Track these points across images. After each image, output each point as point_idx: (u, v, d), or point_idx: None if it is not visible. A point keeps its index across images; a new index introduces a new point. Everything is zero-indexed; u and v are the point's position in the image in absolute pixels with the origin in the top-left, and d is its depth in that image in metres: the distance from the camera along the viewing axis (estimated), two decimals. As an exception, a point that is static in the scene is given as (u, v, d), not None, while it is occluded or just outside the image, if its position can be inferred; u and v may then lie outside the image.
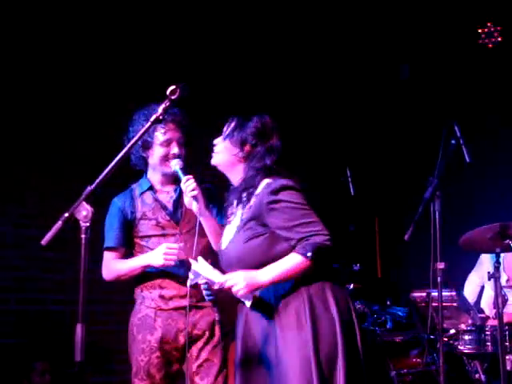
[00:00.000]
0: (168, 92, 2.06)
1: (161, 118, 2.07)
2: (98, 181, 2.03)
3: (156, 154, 2.83)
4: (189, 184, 2.64)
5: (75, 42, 4.83)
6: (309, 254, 2.22)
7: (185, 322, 2.72)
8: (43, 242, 2.02)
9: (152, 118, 2.08)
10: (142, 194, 2.88)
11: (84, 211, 2.01)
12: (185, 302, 2.71)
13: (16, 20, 4.64)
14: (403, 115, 5.79)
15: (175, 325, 2.76)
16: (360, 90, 5.99)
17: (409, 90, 5.95)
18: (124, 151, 2.06)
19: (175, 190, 2.87)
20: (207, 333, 2.78)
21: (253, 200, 2.35)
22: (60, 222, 2.01)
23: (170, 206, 2.86)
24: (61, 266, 4.67)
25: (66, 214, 2.01)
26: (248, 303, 2.30)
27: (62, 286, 4.69)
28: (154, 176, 2.90)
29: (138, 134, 2.12)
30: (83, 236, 2.00)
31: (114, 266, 2.86)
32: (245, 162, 2.44)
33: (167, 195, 2.88)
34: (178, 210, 2.85)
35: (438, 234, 3.19)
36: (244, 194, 2.38)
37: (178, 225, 2.83)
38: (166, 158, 2.82)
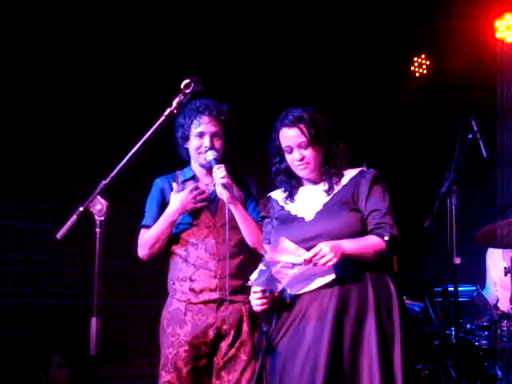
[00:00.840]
0: (182, 86, 2.06)
1: (175, 111, 2.07)
2: (112, 175, 2.04)
3: (191, 145, 2.87)
4: (219, 172, 2.70)
5: (81, 37, 4.82)
6: (386, 238, 2.35)
7: (215, 317, 2.74)
8: (58, 235, 2.04)
9: (166, 112, 2.09)
10: (184, 181, 2.91)
11: (99, 205, 2.02)
12: (215, 296, 2.74)
13: (18, 15, 4.64)
14: (420, 109, 5.75)
15: (205, 319, 2.75)
16: (376, 84, 5.96)
17: (426, 83, 5.91)
18: (137, 146, 2.07)
19: (214, 184, 2.87)
20: (236, 328, 2.77)
21: (346, 182, 2.48)
22: (75, 216, 2.04)
23: (209, 196, 2.87)
24: (78, 260, 4.71)
25: (81, 208, 2.03)
26: (330, 277, 2.28)
27: (79, 279, 4.72)
28: (195, 167, 2.94)
29: (152, 129, 2.12)
30: (98, 230, 2.01)
31: (144, 237, 2.85)
32: (329, 153, 2.50)
33: (206, 187, 2.89)
34: (215, 203, 2.85)
35: (454, 229, 3.17)
36: (334, 176, 2.48)
37: (213, 217, 2.83)
38: (198, 150, 2.85)
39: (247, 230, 2.77)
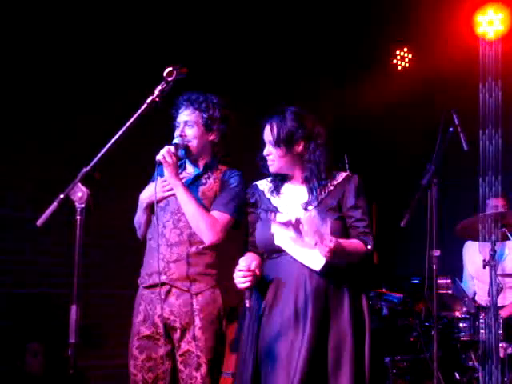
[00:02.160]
0: (164, 74, 2.04)
1: (157, 99, 2.05)
2: (93, 163, 2.02)
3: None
4: (162, 151, 2.71)
5: (63, 25, 4.77)
6: (369, 247, 2.52)
7: (161, 307, 2.70)
8: (38, 223, 2.02)
9: (148, 100, 2.07)
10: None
11: (79, 192, 2.01)
12: (161, 279, 2.70)
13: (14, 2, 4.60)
14: (401, 102, 5.77)
15: (154, 309, 2.74)
16: (358, 76, 5.98)
17: (408, 76, 5.94)
18: (119, 134, 2.05)
19: (194, 172, 2.87)
20: (184, 321, 2.71)
21: (332, 188, 2.60)
22: (55, 204, 2.02)
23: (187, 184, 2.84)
24: (56, 249, 4.67)
25: (62, 196, 2.01)
26: (321, 263, 2.40)
27: (56, 268, 4.69)
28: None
29: (134, 116, 2.10)
30: (78, 217, 1.99)
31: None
32: (302, 156, 2.60)
33: (189, 175, 2.88)
34: (195, 190, 2.81)
35: (434, 221, 3.19)
36: (321, 182, 2.59)
37: (177, 203, 2.80)
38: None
39: (188, 215, 2.73)
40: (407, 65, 6.07)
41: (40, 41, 4.72)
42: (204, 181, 2.84)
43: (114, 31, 4.95)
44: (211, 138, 2.84)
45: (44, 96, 4.76)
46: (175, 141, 2.78)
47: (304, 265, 2.48)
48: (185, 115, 2.82)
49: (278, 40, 5.74)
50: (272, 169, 2.63)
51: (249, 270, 2.44)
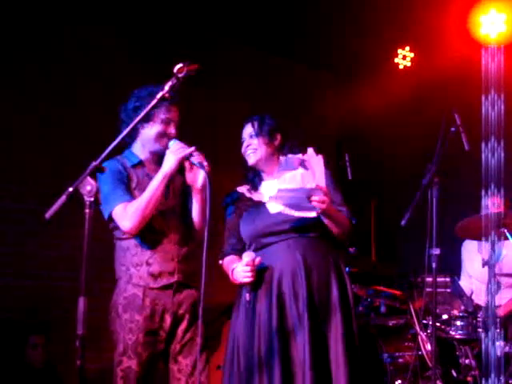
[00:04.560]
0: (175, 70, 2.06)
1: (167, 95, 2.07)
2: (102, 156, 2.04)
3: (154, 129, 2.78)
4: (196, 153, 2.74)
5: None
6: (353, 221, 2.76)
7: (171, 302, 2.73)
8: (47, 215, 2.02)
9: (159, 95, 2.09)
10: (133, 166, 2.81)
11: (88, 186, 2.02)
12: (173, 279, 2.73)
13: None
14: (403, 101, 5.79)
15: (163, 304, 2.74)
16: (360, 75, 6.00)
17: (410, 75, 5.96)
18: (129, 128, 2.07)
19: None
20: (191, 313, 2.77)
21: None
22: (64, 197, 2.02)
23: None
24: (56, 242, 4.70)
25: (71, 189, 2.02)
26: (314, 213, 2.57)
27: (58, 261, 4.71)
28: (142, 152, 2.83)
29: (144, 111, 2.12)
30: (87, 211, 2.01)
31: (132, 206, 2.68)
32: (278, 150, 2.83)
33: (153, 171, 2.79)
34: (168, 185, 2.77)
35: (434, 220, 3.23)
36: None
37: (166, 200, 2.78)
38: (162, 136, 2.78)
39: (202, 211, 2.77)
40: (409, 64, 6.08)
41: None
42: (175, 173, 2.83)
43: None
44: None
45: (48, 90, 4.79)
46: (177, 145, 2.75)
47: (295, 250, 2.66)
48: (178, 116, 2.82)
49: (279, 39, 5.76)
50: (252, 159, 2.81)
51: (253, 265, 2.59)
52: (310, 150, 2.63)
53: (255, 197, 2.81)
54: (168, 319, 2.74)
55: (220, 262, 2.86)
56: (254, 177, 2.87)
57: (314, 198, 2.52)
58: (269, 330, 2.57)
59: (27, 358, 4.39)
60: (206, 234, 2.46)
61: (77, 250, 2.05)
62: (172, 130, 2.79)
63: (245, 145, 2.84)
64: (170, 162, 2.70)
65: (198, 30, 5.61)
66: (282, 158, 2.80)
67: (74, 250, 2.04)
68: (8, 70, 4.68)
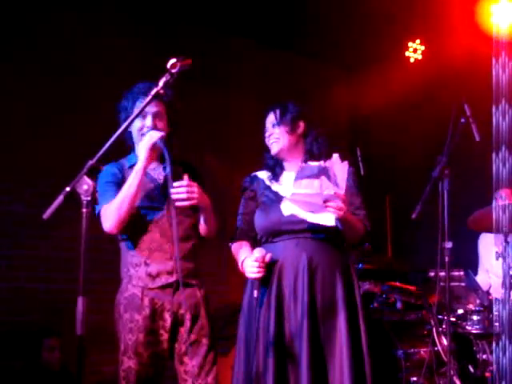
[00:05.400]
0: (168, 65, 2.04)
1: (161, 91, 2.05)
2: (98, 155, 2.03)
3: (134, 127, 2.74)
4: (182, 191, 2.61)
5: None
6: (368, 228, 2.70)
7: (170, 301, 2.69)
8: (45, 216, 2.02)
9: (153, 92, 2.07)
10: (131, 166, 2.77)
11: (85, 185, 2.00)
12: (172, 279, 2.68)
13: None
14: (414, 94, 5.74)
15: (161, 304, 2.71)
16: (372, 68, 5.95)
17: (421, 68, 5.90)
18: (124, 126, 2.06)
19: (164, 167, 2.76)
20: (193, 313, 2.72)
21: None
22: (61, 197, 2.01)
23: (160, 179, 2.78)
24: (69, 244, 4.70)
25: (68, 189, 2.01)
26: (333, 220, 2.51)
27: (72, 263, 4.72)
28: (140, 151, 2.76)
29: (139, 109, 2.10)
30: (84, 210, 2.00)
31: (109, 206, 2.65)
32: (302, 138, 2.76)
33: (154, 171, 2.79)
34: (168, 185, 2.70)
35: (445, 213, 3.17)
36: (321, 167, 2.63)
37: (165, 200, 2.73)
38: (141, 132, 2.73)
39: (207, 225, 2.74)
40: (420, 57, 6.02)
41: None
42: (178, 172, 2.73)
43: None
44: (171, 129, 2.79)
45: (54, 94, 4.82)
46: (155, 134, 2.66)
47: (302, 250, 2.61)
48: (154, 106, 2.70)
49: (290, 35, 5.73)
50: (276, 148, 2.74)
51: (263, 262, 2.55)
52: (335, 156, 2.54)
53: (274, 187, 2.76)
54: (168, 319, 2.70)
55: (230, 244, 2.83)
56: (275, 165, 2.79)
57: (330, 203, 2.45)
58: (265, 339, 2.53)
59: (43, 360, 4.41)
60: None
61: (91, 251, 2.05)
62: (148, 122, 2.71)
63: (267, 134, 2.78)
64: (141, 155, 2.64)
65: (211, 28, 5.63)
66: (301, 165, 2.67)
67: (88, 251, 2.03)
68: (22, 74, 4.71)
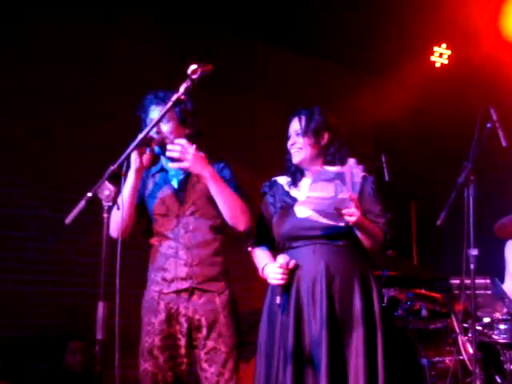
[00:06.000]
0: (189, 71, 2.05)
1: (182, 97, 2.06)
2: (119, 161, 2.04)
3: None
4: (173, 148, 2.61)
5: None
6: (388, 237, 2.64)
7: (185, 307, 2.70)
8: (67, 221, 2.06)
9: (173, 98, 2.08)
10: (154, 174, 2.84)
11: (107, 191, 2.03)
12: (185, 285, 2.70)
13: None
14: (440, 98, 5.69)
15: (177, 308, 2.72)
16: (397, 73, 5.91)
17: (447, 73, 5.85)
18: (144, 133, 2.07)
19: (183, 172, 2.79)
20: (210, 320, 2.71)
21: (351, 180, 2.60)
22: (83, 202, 2.04)
23: (175, 185, 2.80)
24: (94, 249, 4.73)
25: (89, 194, 2.03)
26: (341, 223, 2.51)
27: (96, 268, 4.75)
28: (162, 158, 2.85)
29: (160, 115, 2.11)
30: (105, 215, 2.01)
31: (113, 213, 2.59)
32: (324, 150, 2.71)
33: (173, 176, 2.82)
34: (183, 192, 2.76)
35: (471, 220, 3.12)
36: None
37: (182, 206, 2.76)
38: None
39: (225, 205, 2.67)
40: (446, 61, 5.97)
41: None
42: (195, 178, 2.75)
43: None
44: (187, 131, 2.78)
45: (78, 101, 4.88)
46: (153, 141, 2.66)
47: (320, 257, 2.59)
48: (157, 112, 2.70)
49: (315, 40, 5.73)
50: (297, 158, 2.71)
51: (287, 268, 2.55)
52: (351, 161, 2.53)
53: (293, 192, 2.75)
54: (184, 323, 2.72)
55: (249, 249, 2.82)
56: (295, 171, 2.77)
57: (344, 210, 2.44)
58: (284, 345, 2.52)
59: (66, 363, 4.45)
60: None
61: (115, 256, 2.06)
62: (153, 130, 2.61)
63: (290, 142, 2.74)
64: (132, 159, 2.61)
65: (237, 34, 5.65)
66: (316, 169, 2.67)
67: (112, 256, 2.05)
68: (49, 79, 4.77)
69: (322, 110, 2.74)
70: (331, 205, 2.47)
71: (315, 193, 2.49)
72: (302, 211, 2.55)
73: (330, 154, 2.70)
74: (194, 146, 2.58)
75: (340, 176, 2.49)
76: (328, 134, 2.71)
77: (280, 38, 5.88)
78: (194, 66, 2.04)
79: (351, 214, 2.44)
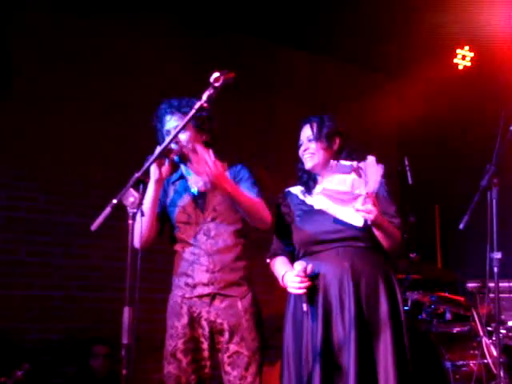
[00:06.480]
0: (212, 79, 2.07)
1: (205, 105, 2.09)
2: (144, 168, 2.08)
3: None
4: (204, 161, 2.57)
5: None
6: (405, 235, 2.71)
7: (207, 311, 2.74)
8: (93, 227, 2.09)
9: (197, 105, 2.11)
10: (174, 181, 2.88)
11: (131, 197, 2.07)
12: (208, 290, 2.73)
13: None
14: (464, 101, 5.64)
15: (199, 312, 2.76)
16: (420, 77, 5.89)
17: (470, 75, 5.81)
18: (168, 141, 2.10)
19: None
20: (231, 324, 2.74)
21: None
22: (109, 208, 2.08)
23: (195, 192, 2.84)
24: (119, 254, 4.79)
25: (115, 201, 2.07)
26: (361, 221, 2.52)
27: (121, 272, 4.80)
28: (182, 167, 2.90)
29: (183, 122, 2.14)
30: (130, 222, 2.05)
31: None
32: (336, 155, 2.75)
33: (194, 184, 2.86)
34: (203, 198, 2.80)
35: (494, 223, 3.11)
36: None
37: (203, 213, 2.79)
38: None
39: (247, 211, 2.68)
40: (469, 64, 5.93)
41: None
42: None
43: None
44: (204, 138, 2.81)
45: (103, 110, 4.94)
46: (172, 146, 2.67)
47: (343, 259, 2.61)
48: (173, 121, 2.76)
49: (339, 43, 5.74)
50: (310, 163, 2.76)
51: (304, 274, 2.56)
52: (371, 158, 2.55)
53: (308, 200, 2.78)
54: (206, 327, 2.75)
55: (268, 260, 2.86)
56: (308, 179, 2.81)
57: (361, 207, 2.46)
58: (313, 350, 2.53)
59: (90, 367, 4.50)
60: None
61: (141, 261, 2.10)
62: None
63: (302, 148, 2.80)
64: (151, 171, 2.65)
65: (261, 38, 5.69)
66: (332, 163, 2.70)
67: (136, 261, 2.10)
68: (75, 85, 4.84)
69: (331, 117, 2.81)
70: (349, 200, 2.48)
71: (332, 185, 2.51)
72: (318, 202, 2.57)
73: (341, 158, 2.72)
74: (212, 154, 2.54)
75: (356, 170, 2.52)
76: (339, 139, 2.77)
77: (305, 42, 5.88)
78: (216, 74, 2.07)
79: (369, 212, 2.46)
